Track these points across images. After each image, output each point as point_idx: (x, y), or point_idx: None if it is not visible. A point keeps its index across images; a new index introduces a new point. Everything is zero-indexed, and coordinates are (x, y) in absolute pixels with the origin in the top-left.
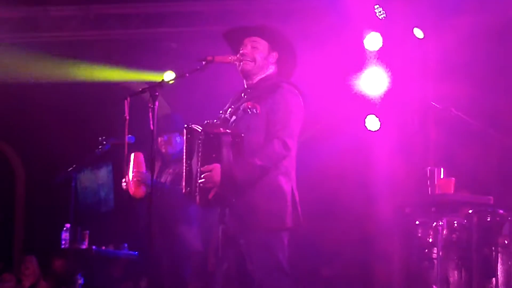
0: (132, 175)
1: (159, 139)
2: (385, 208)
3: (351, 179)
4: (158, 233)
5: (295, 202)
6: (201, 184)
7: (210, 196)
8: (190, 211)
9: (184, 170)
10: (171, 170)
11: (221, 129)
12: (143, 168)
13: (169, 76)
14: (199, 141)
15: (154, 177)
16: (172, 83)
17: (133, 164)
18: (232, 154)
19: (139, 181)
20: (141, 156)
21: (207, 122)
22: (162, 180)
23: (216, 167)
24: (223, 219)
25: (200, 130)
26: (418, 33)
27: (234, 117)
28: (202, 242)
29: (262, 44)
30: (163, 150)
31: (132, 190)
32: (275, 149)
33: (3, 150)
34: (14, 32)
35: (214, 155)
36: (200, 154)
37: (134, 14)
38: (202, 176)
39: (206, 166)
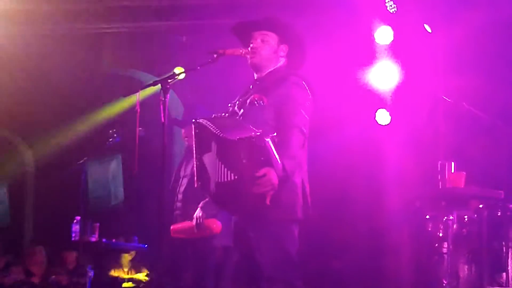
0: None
1: (183, 130)
2: (395, 201)
3: (361, 172)
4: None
5: (305, 194)
6: (256, 190)
7: (268, 201)
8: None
9: (195, 165)
10: None
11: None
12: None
13: (178, 71)
14: (245, 148)
15: (179, 168)
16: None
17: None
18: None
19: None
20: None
21: (215, 116)
22: (188, 172)
23: (270, 171)
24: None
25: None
26: (427, 28)
27: (241, 110)
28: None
29: (271, 37)
30: (186, 143)
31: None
32: (299, 137)
33: (13, 142)
34: (26, 25)
35: (262, 158)
36: (245, 161)
37: (144, 6)
38: (257, 181)
39: (260, 171)
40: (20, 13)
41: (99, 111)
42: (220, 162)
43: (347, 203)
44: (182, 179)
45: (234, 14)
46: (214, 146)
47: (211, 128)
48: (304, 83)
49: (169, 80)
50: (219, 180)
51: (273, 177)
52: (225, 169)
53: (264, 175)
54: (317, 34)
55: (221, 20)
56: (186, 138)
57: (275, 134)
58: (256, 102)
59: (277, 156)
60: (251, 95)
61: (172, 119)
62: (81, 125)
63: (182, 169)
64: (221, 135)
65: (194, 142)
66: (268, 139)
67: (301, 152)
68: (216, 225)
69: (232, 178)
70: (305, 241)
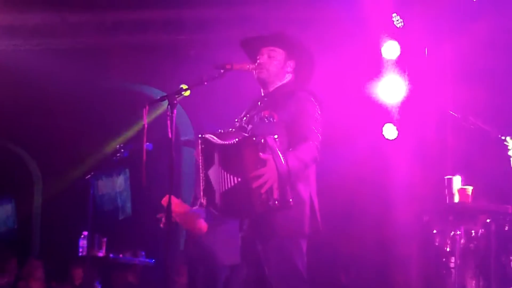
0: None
1: (195, 151)
2: (403, 216)
3: (369, 187)
4: (193, 244)
5: (313, 209)
6: (255, 184)
7: (275, 194)
8: (229, 222)
9: (201, 180)
10: None
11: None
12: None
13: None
14: (245, 149)
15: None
16: (191, 90)
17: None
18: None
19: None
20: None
21: (221, 131)
22: None
23: (270, 162)
24: (242, 227)
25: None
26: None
27: (250, 126)
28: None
29: (278, 53)
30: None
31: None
32: (313, 150)
33: (20, 156)
34: (32, 39)
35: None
36: (246, 162)
37: (152, 20)
38: (258, 181)
39: (258, 171)
40: (25, 27)
41: (107, 124)
42: (223, 171)
43: (355, 218)
44: None
45: (242, 28)
46: (216, 157)
47: (214, 141)
48: (313, 98)
49: (176, 96)
50: (223, 189)
51: (271, 168)
52: (228, 175)
53: (263, 174)
54: (325, 48)
55: (230, 34)
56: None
57: (276, 136)
58: (266, 119)
59: (279, 152)
60: (260, 111)
61: (186, 141)
62: (89, 138)
63: None
64: (221, 143)
65: (200, 158)
66: (270, 138)
67: (310, 164)
68: (203, 226)
69: (235, 181)
70: (313, 255)
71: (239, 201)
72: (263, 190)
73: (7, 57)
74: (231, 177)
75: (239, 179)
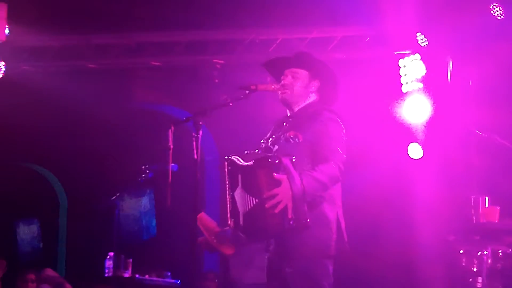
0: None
1: None
2: (429, 236)
3: (394, 207)
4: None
5: (340, 229)
6: (269, 204)
7: (290, 214)
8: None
9: (228, 202)
10: None
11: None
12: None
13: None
14: (262, 170)
15: None
16: (216, 111)
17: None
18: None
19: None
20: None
21: (247, 152)
22: None
23: (284, 182)
24: (268, 248)
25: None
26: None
27: (276, 147)
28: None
29: (302, 74)
30: None
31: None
32: (333, 170)
33: (45, 177)
34: (58, 60)
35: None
36: (263, 183)
37: (175, 42)
38: (271, 201)
39: (272, 191)
40: (50, 49)
41: (132, 145)
42: (244, 192)
43: (380, 238)
44: None
45: (264, 49)
46: (239, 178)
47: (238, 162)
48: (338, 118)
49: (201, 117)
50: (245, 210)
51: (285, 188)
52: (248, 197)
53: (277, 194)
54: (350, 67)
55: (251, 55)
56: None
57: (293, 157)
58: (291, 139)
59: (294, 173)
60: (285, 131)
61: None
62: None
63: None
64: (242, 164)
65: (227, 180)
66: (285, 159)
67: (334, 186)
68: (230, 249)
69: (254, 202)
70: (339, 276)
71: (258, 222)
72: (276, 210)
73: (33, 79)
74: (251, 198)
75: (257, 200)
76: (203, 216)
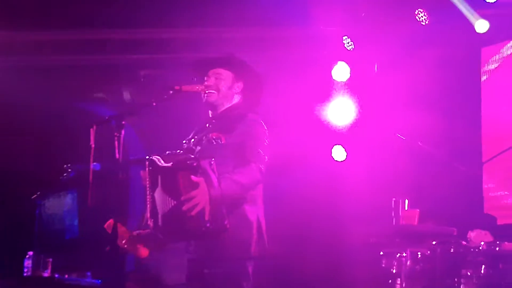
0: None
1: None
2: (352, 238)
3: (318, 209)
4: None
5: (261, 231)
6: (189, 212)
7: (206, 216)
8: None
9: (148, 203)
10: None
11: (190, 156)
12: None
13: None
14: (181, 172)
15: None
16: (139, 111)
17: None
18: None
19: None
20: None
21: (168, 153)
22: None
23: (202, 185)
24: (188, 249)
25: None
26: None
27: (198, 147)
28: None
29: (226, 75)
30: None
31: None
32: (254, 172)
33: None
34: None
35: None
36: (181, 185)
37: (104, 39)
38: (188, 203)
39: (189, 194)
40: None
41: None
42: (164, 193)
43: (305, 239)
44: None
45: (195, 49)
46: (160, 179)
47: (159, 163)
48: (261, 120)
49: (124, 116)
50: (164, 211)
51: (202, 191)
52: (168, 198)
53: (195, 196)
54: (276, 70)
55: (182, 55)
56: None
57: (213, 159)
58: (214, 141)
59: (213, 175)
60: (208, 132)
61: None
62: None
63: None
64: (163, 165)
65: (147, 180)
66: (204, 161)
67: (256, 187)
68: (144, 251)
69: (173, 204)
70: (261, 277)
71: (176, 224)
72: (193, 213)
73: None
74: (170, 199)
75: (175, 202)
76: (111, 223)
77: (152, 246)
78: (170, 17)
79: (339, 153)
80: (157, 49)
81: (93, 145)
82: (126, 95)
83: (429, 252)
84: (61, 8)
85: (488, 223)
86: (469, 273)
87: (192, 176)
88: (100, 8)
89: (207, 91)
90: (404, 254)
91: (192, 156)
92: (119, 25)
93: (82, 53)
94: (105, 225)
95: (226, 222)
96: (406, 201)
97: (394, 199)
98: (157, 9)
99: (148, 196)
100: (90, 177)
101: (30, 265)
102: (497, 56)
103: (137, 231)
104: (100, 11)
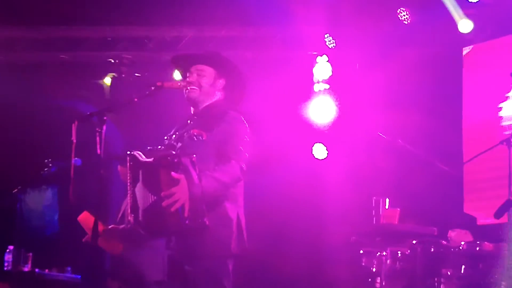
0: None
1: (119, 167)
2: (333, 236)
3: (301, 207)
4: (119, 260)
5: (240, 228)
6: (168, 209)
7: (186, 213)
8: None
9: (129, 198)
10: None
11: (173, 152)
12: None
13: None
14: (162, 168)
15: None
16: (121, 107)
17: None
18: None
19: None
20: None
21: (150, 148)
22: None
23: (182, 182)
24: (169, 245)
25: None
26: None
27: (179, 144)
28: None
29: (208, 71)
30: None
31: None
32: (234, 169)
33: None
34: None
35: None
36: (162, 181)
37: (85, 37)
38: (168, 200)
39: (169, 190)
40: None
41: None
42: (145, 188)
43: (286, 237)
44: None
45: (176, 47)
46: (141, 174)
47: (140, 158)
48: (243, 118)
49: (105, 112)
50: (144, 206)
51: (182, 187)
52: (148, 193)
53: (175, 192)
54: (257, 68)
55: (162, 53)
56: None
57: (194, 156)
58: (195, 137)
59: (194, 172)
60: (189, 129)
61: (118, 155)
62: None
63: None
64: (145, 160)
65: (128, 175)
66: (185, 158)
67: (237, 185)
68: (117, 247)
69: (153, 199)
70: (242, 275)
71: (156, 219)
72: (172, 209)
73: None
74: (150, 195)
75: (155, 198)
76: (84, 217)
77: (127, 241)
78: (149, 15)
79: (320, 151)
80: (137, 46)
81: (74, 141)
82: (107, 90)
83: (409, 251)
84: (43, 4)
85: (468, 223)
86: (449, 273)
87: (173, 173)
88: (77, 6)
89: (189, 87)
90: (384, 253)
91: (173, 153)
92: (98, 22)
93: (60, 50)
94: (78, 218)
95: (205, 219)
96: (387, 200)
97: (374, 198)
98: (136, 7)
99: (129, 191)
100: (72, 172)
101: (10, 260)
102: None
103: (112, 226)
104: (76, 8)
